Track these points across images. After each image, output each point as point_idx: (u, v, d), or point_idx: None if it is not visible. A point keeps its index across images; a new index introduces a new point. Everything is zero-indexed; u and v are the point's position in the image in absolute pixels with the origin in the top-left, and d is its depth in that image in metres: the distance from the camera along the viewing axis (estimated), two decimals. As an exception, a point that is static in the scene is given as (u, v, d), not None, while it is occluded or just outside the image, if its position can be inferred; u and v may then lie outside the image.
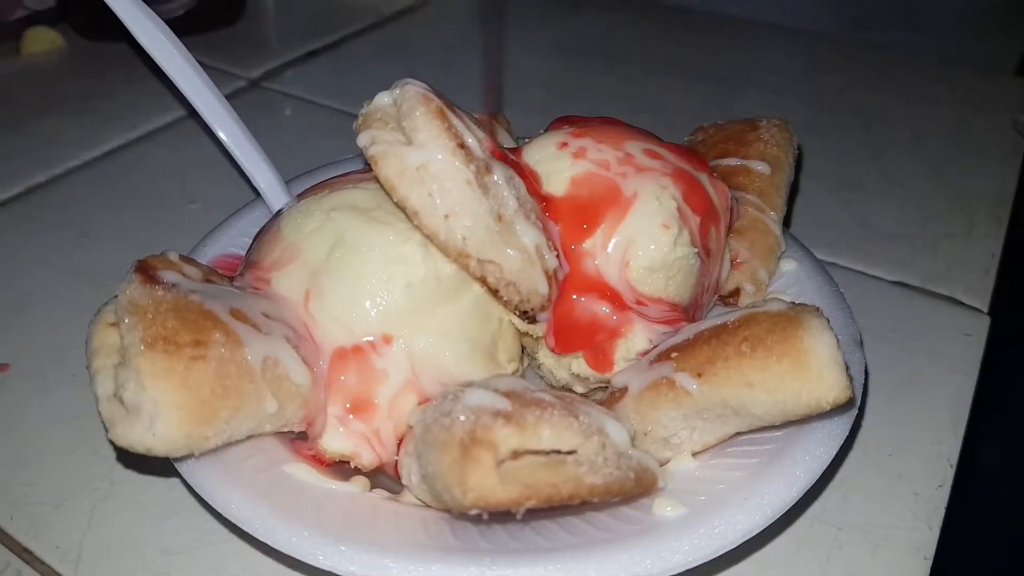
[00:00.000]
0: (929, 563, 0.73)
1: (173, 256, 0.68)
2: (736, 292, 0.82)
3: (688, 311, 0.76)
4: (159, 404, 0.56)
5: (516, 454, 0.53)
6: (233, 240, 0.86)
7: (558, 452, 0.55)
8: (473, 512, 0.53)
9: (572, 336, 0.72)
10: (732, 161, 0.86)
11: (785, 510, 0.61)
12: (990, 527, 1.07)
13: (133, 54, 1.32)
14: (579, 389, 0.75)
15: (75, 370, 0.84)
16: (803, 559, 0.71)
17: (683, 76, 1.53)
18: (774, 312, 0.63)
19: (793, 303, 0.65)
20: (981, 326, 0.97)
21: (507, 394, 0.56)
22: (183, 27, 1.50)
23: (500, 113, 0.97)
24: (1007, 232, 1.14)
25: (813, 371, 0.58)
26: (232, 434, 0.61)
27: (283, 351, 0.62)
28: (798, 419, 0.61)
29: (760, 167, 0.85)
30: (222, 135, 0.85)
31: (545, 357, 0.76)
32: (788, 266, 0.85)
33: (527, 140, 0.79)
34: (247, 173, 0.86)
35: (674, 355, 0.65)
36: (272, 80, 1.48)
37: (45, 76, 1.51)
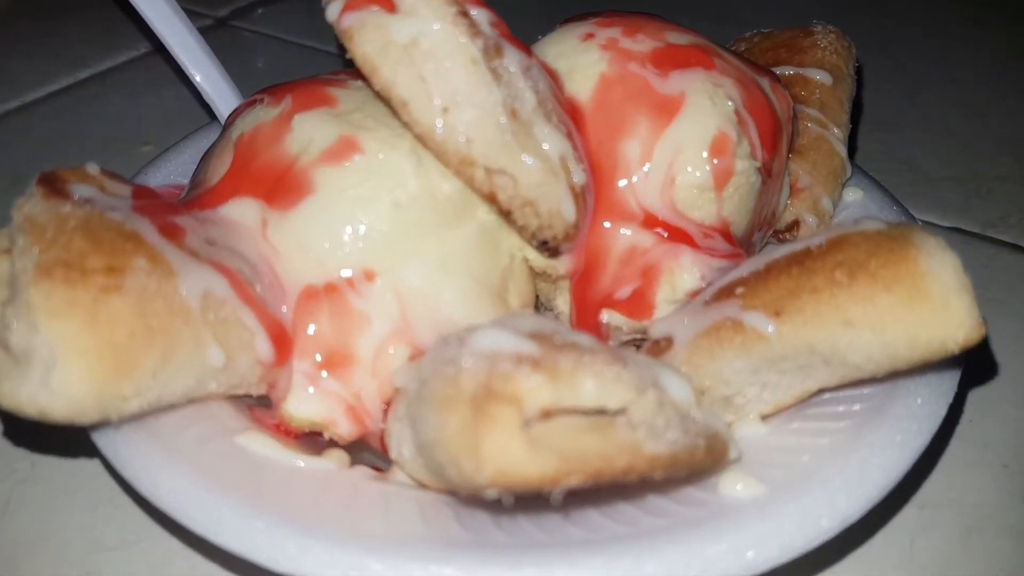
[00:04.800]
0: (1031, 549, 0.60)
1: (92, 168, 0.53)
2: (795, 225, 0.68)
3: (741, 244, 0.61)
4: (57, 349, 0.41)
5: (547, 413, 0.38)
6: (181, 168, 0.71)
7: (603, 412, 0.40)
8: (490, 494, 0.38)
9: (603, 275, 0.57)
10: (787, 70, 0.71)
11: (891, 487, 0.47)
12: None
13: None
14: (609, 342, 0.60)
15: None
16: (883, 546, 0.60)
17: (700, 19, 1.40)
18: (872, 232, 0.49)
19: (891, 222, 0.50)
20: (1051, 274, 0.85)
21: (532, 336, 0.41)
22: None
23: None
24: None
25: (935, 301, 0.44)
26: (163, 393, 0.46)
27: (227, 286, 0.47)
28: (910, 367, 0.47)
29: (820, 76, 0.71)
30: (196, 75, 0.72)
31: (565, 304, 0.61)
32: (853, 195, 0.72)
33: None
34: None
35: (740, 291, 0.51)
36: (242, 18, 1.36)
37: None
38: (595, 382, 0.40)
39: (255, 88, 1.17)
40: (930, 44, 1.33)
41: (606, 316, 0.59)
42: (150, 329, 0.44)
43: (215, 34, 1.30)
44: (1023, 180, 1.01)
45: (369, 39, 0.48)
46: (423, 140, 0.50)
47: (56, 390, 0.41)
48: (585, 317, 0.60)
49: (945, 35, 1.36)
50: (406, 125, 0.50)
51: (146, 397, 0.45)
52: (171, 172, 0.71)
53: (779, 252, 0.52)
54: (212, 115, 0.80)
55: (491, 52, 0.50)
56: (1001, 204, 0.96)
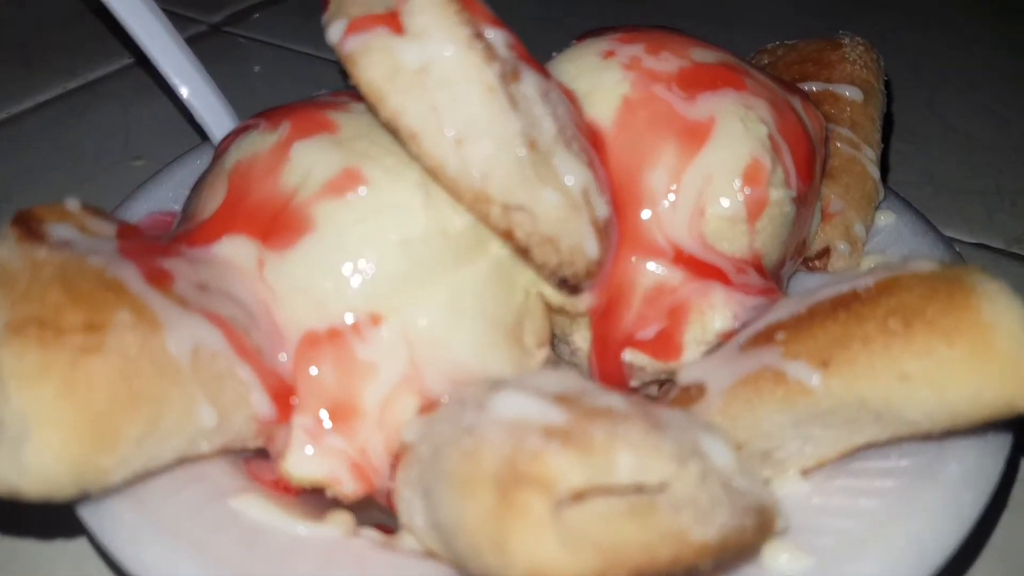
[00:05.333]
0: None
1: (73, 205, 0.48)
2: (825, 252, 0.64)
3: (771, 276, 0.57)
4: (29, 419, 0.37)
5: (580, 494, 0.34)
6: (173, 193, 0.66)
7: (641, 489, 0.36)
8: (517, 588, 0.34)
9: (626, 312, 0.53)
10: (814, 85, 0.67)
11: (951, 554, 0.43)
12: None
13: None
14: (631, 383, 0.56)
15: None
16: None
17: (704, 21, 1.36)
18: (926, 273, 0.44)
19: (944, 263, 0.46)
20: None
21: (557, 399, 0.37)
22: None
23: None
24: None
25: (1003, 356, 0.40)
26: (149, 461, 0.42)
27: (220, 337, 0.43)
28: (971, 425, 0.42)
29: (850, 92, 0.66)
30: (182, 89, 0.67)
31: (583, 340, 0.57)
32: (886, 219, 0.68)
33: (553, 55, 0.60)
34: (211, 135, 0.67)
35: (780, 336, 0.46)
36: (237, 24, 1.31)
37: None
38: (631, 456, 0.35)
39: (250, 98, 1.13)
40: (946, 44, 1.28)
41: (629, 355, 0.55)
42: (134, 393, 0.39)
43: (209, 41, 1.27)
44: (1048, 192, 0.97)
45: (375, 64, 0.44)
46: (434, 175, 0.46)
47: (29, 466, 0.37)
48: (606, 355, 0.56)
49: (961, 34, 1.31)
50: (415, 158, 0.46)
51: (131, 467, 0.41)
52: (163, 197, 0.67)
53: (822, 293, 0.48)
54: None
55: (508, 77, 0.46)
56: None
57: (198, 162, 0.68)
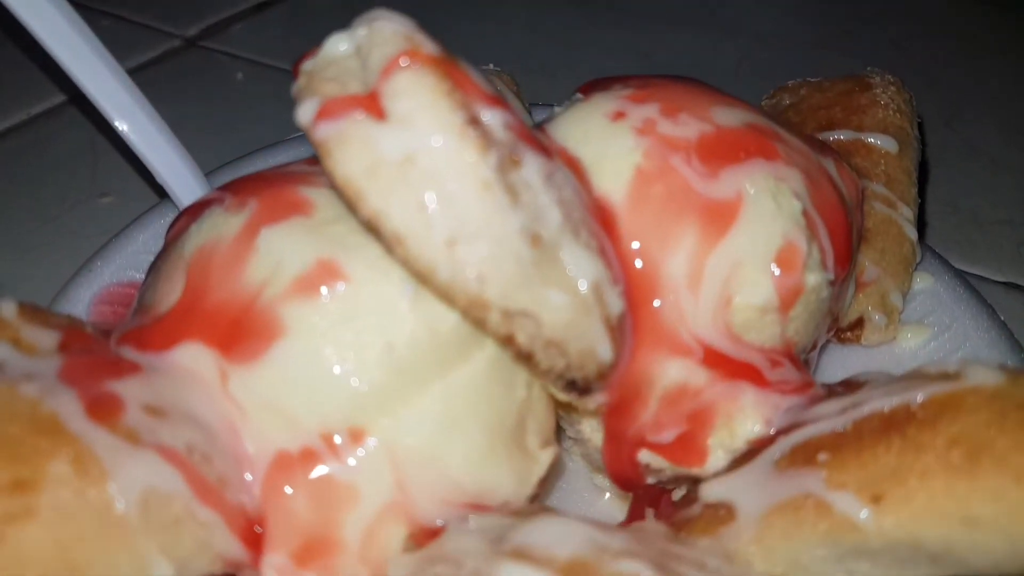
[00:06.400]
0: None
1: (7, 310, 0.42)
2: (859, 324, 0.58)
3: (803, 360, 0.51)
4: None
5: None
6: (133, 259, 0.60)
7: None
8: None
9: (642, 411, 0.47)
10: (844, 134, 0.60)
11: None
12: None
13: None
14: (647, 481, 0.50)
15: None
16: None
17: (710, 29, 1.31)
18: (990, 391, 0.39)
19: (1006, 367, 0.40)
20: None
21: (569, 570, 0.31)
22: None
23: (503, 71, 0.71)
24: None
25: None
26: (96, 625, 0.36)
27: (176, 477, 0.37)
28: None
29: (883, 142, 0.61)
30: (119, 124, 0.60)
31: (593, 432, 0.52)
32: (922, 282, 0.62)
33: (555, 110, 0.53)
34: (148, 164, 0.60)
35: (823, 457, 0.41)
36: (213, 38, 1.25)
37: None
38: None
39: (225, 119, 1.05)
40: (967, 55, 1.22)
41: (645, 456, 0.49)
42: (72, 566, 0.33)
43: (183, 56, 1.21)
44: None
45: (352, 158, 0.37)
46: (423, 281, 0.40)
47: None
48: (619, 453, 0.51)
49: (982, 44, 1.25)
50: (400, 263, 0.39)
51: (72, 643, 0.35)
52: (124, 264, 0.61)
53: (869, 406, 0.42)
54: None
55: (507, 165, 0.39)
56: None
57: (162, 221, 0.62)
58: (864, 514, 0.39)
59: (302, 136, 0.72)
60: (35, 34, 0.61)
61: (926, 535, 0.38)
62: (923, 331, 0.59)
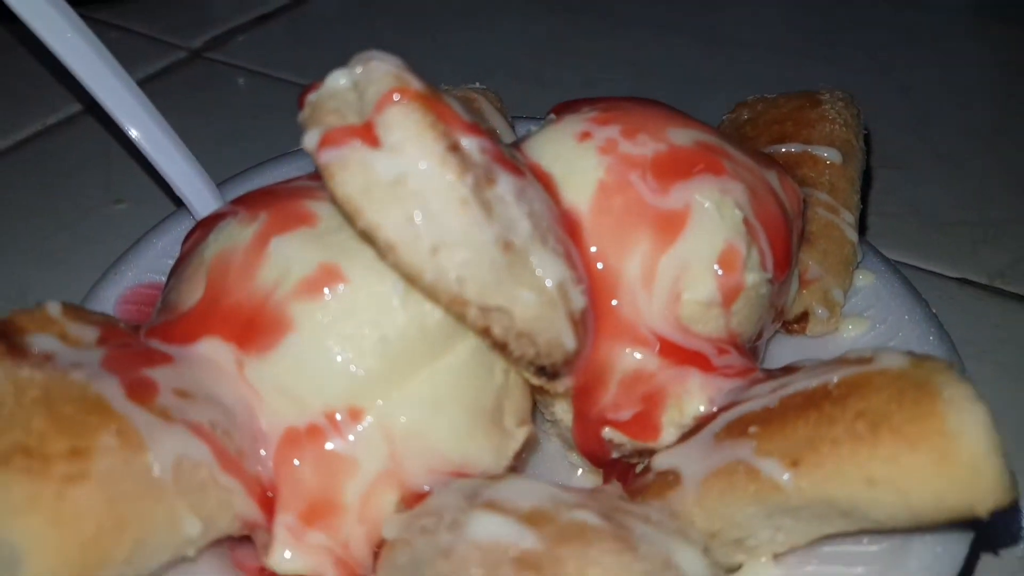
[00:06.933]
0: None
1: (53, 310, 0.49)
2: (804, 317, 0.65)
3: (749, 348, 0.58)
4: (20, 551, 0.39)
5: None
6: (154, 263, 0.67)
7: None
8: None
9: (604, 394, 0.54)
10: (792, 147, 0.67)
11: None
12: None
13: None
14: (612, 455, 0.57)
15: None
16: None
17: (694, 39, 1.35)
18: (895, 372, 0.46)
19: (913, 354, 0.47)
20: (1065, 331, 0.84)
21: (531, 517, 0.38)
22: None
23: (488, 88, 0.78)
24: (1080, 213, 1.00)
25: (964, 465, 0.41)
26: (138, 572, 0.43)
27: (203, 448, 0.44)
28: (935, 525, 0.44)
29: (829, 154, 0.67)
30: (132, 131, 0.66)
31: (564, 413, 0.59)
32: (864, 280, 0.68)
33: (530, 129, 0.60)
34: (163, 173, 0.67)
35: (753, 430, 0.48)
36: (218, 50, 1.29)
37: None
38: (603, 581, 0.37)
39: (230, 126, 1.10)
40: (938, 63, 1.27)
41: (608, 432, 0.56)
42: (120, 518, 0.40)
43: (189, 67, 1.24)
44: (1033, 221, 0.97)
45: (351, 179, 0.44)
46: (411, 281, 0.47)
47: (22, 592, 0.38)
48: (586, 430, 0.57)
49: (953, 52, 1.30)
50: (392, 267, 0.46)
51: (119, 582, 0.42)
52: (145, 268, 0.67)
53: (794, 386, 0.49)
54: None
55: (482, 184, 0.46)
56: (1010, 249, 0.93)
57: (181, 228, 0.69)
58: (786, 477, 0.45)
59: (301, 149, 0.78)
60: (53, 50, 0.67)
61: (836, 494, 0.44)
62: (862, 323, 0.65)
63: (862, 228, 0.70)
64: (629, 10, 1.40)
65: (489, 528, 0.38)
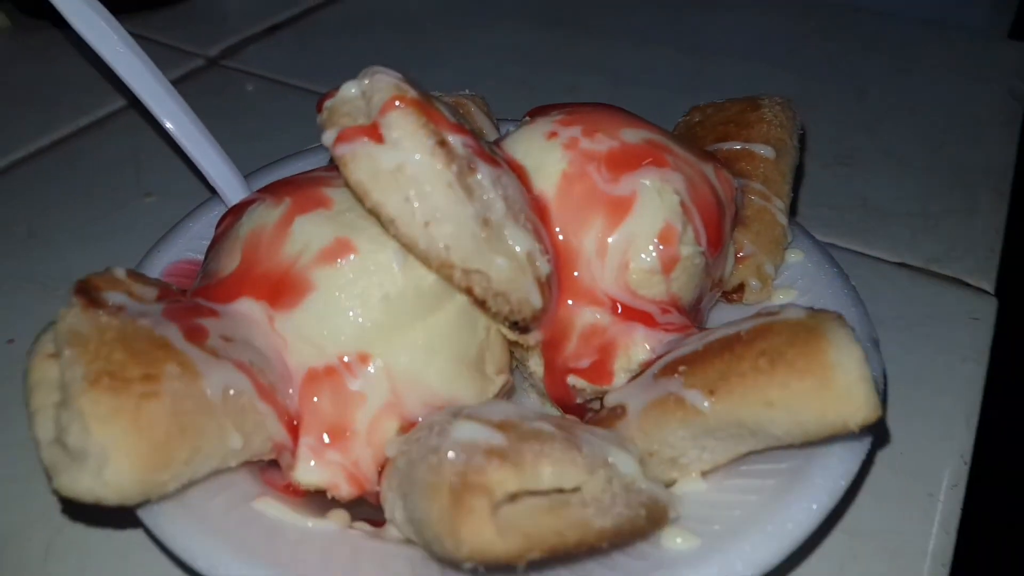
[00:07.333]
0: (947, 570, 0.69)
1: (119, 273, 0.61)
2: (740, 288, 0.76)
3: (690, 311, 0.70)
4: (107, 450, 0.50)
5: (514, 496, 0.47)
6: (189, 244, 0.79)
7: (560, 491, 0.49)
8: (467, 566, 0.47)
9: (567, 346, 0.66)
10: (734, 145, 0.79)
11: (807, 537, 0.56)
12: (1011, 527, 1.03)
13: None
14: (577, 400, 0.69)
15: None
16: (814, 570, 0.67)
17: (669, 48, 1.44)
18: (793, 321, 0.57)
19: (811, 309, 0.59)
20: (988, 308, 0.92)
21: (500, 425, 0.50)
22: (132, 1, 1.38)
23: (476, 94, 0.90)
24: (1009, 207, 1.09)
25: (840, 389, 0.53)
26: (193, 475, 0.55)
27: (244, 380, 0.55)
28: (821, 440, 0.56)
29: (764, 151, 0.79)
30: (168, 125, 0.77)
31: (536, 366, 0.70)
32: (795, 257, 0.79)
33: (509, 129, 0.72)
34: (200, 167, 0.78)
35: (681, 369, 0.59)
36: (232, 58, 1.39)
37: (-11, 59, 1.37)
38: (552, 468, 0.48)
39: (246, 127, 1.19)
40: (896, 68, 1.36)
41: (572, 380, 0.68)
42: (182, 427, 0.52)
43: (206, 74, 1.33)
44: (971, 213, 1.04)
45: (361, 168, 0.56)
46: (408, 249, 0.59)
47: (108, 483, 0.50)
48: (554, 378, 0.69)
49: (910, 59, 1.39)
50: (393, 237, 0.58)
51: (180, 480, 0.54)
52: (182, 248, 0.78)
53: (716, 334, 0.60)
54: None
55: (464, 171, 0.58)
56: (947, 238, 1.01)
57: (212, 214, 0.80)
58: (706, 404, 0.57)
59: (316, 147, 0.90)
60: (102, 55, 0.75)
61: (743, 415, 0.56)
62: (791, 293, 0.76)
63: (813, 219, 0.79)
64: (609, 22, 1.50)
65: (468, 432, 0.50)
